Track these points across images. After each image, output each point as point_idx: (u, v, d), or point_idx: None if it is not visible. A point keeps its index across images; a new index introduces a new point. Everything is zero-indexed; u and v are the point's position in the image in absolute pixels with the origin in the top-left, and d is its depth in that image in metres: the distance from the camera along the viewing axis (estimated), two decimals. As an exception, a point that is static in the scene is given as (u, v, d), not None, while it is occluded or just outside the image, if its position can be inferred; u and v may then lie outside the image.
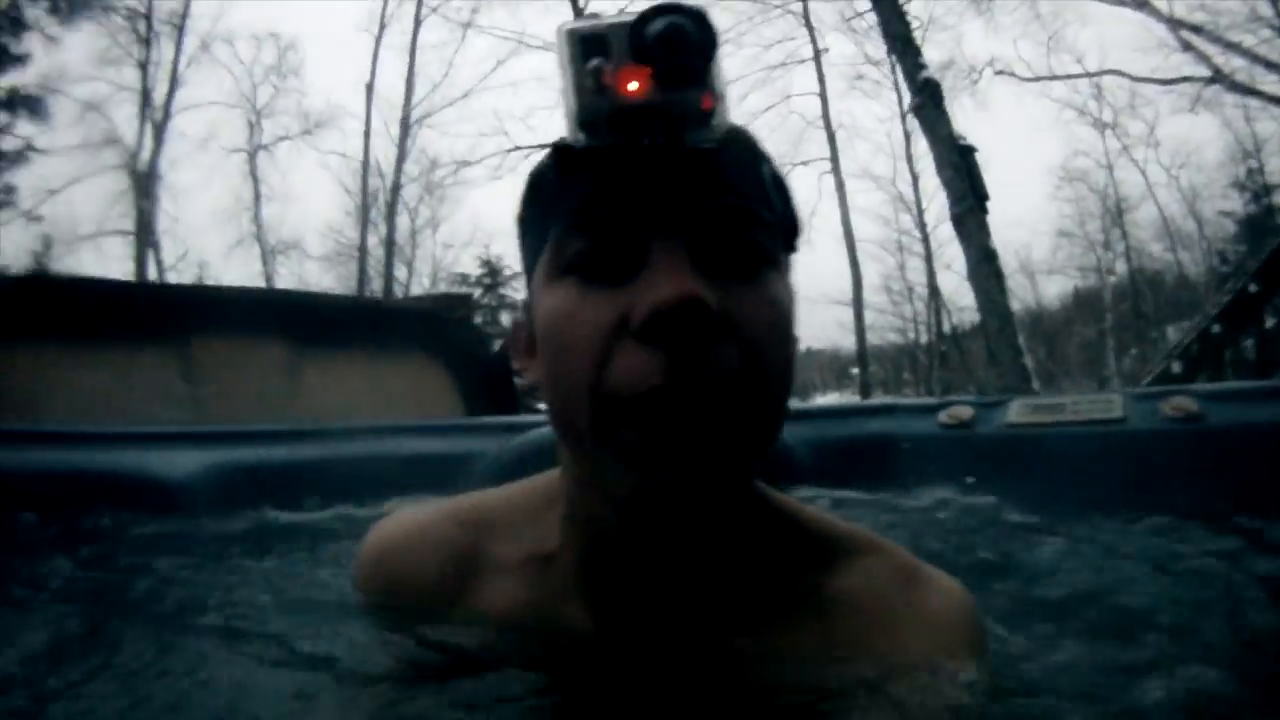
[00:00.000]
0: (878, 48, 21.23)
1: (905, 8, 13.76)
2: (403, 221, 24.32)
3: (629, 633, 0.77)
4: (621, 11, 0.64)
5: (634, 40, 0.62)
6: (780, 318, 0.70)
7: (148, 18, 20.65)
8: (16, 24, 17.51)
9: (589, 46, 0.63)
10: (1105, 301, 28.04)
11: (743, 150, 0.73)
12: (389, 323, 6.86)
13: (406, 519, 0.94)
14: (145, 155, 20.79)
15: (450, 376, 6.37)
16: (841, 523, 0.87)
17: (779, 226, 0.74)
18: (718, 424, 0.65)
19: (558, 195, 0.71)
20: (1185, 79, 19.81)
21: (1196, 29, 18.67)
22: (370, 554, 0.94)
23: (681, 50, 0.62)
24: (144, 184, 20.72)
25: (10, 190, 17.99)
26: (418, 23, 23.21)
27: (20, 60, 17.70)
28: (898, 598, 0.78)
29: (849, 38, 23.32)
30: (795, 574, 0.80)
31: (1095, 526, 2.07)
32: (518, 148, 21.66)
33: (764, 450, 0.71)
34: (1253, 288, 8.61)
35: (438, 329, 6.53)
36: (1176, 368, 8.79)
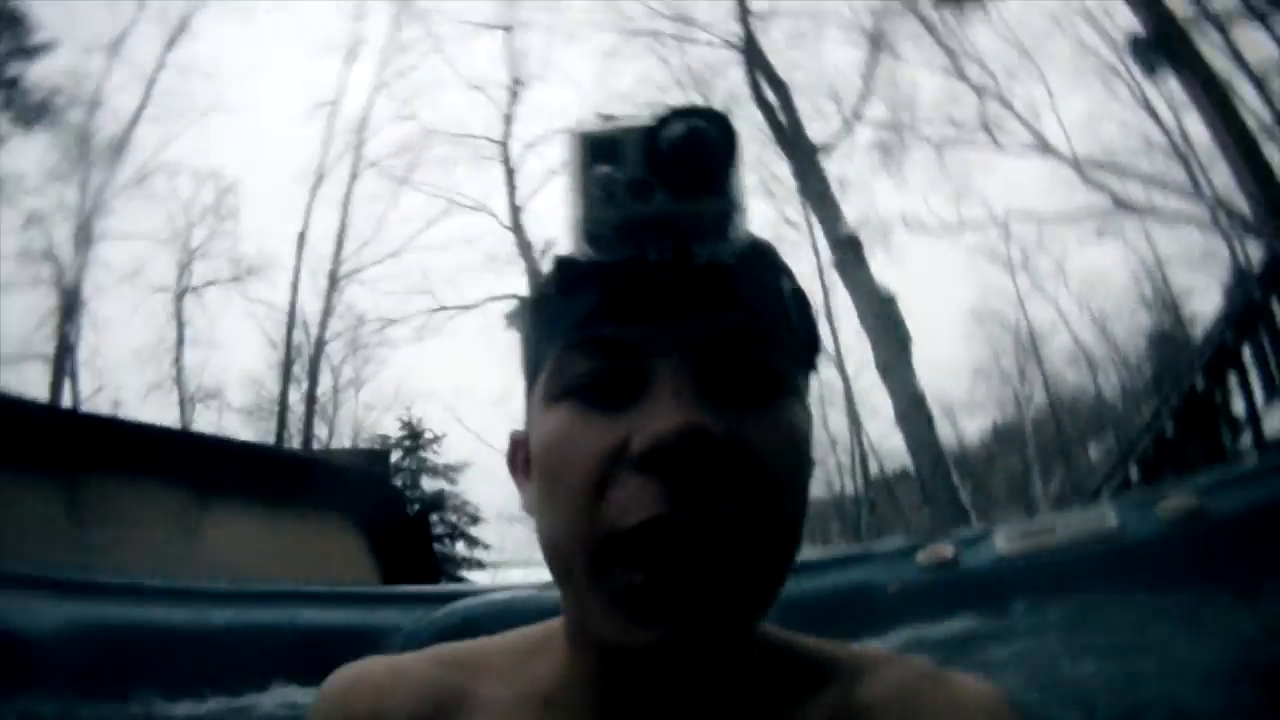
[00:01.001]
0: (796, 209, 22.38)
1: (823, 169, 14.60)
2: (326, 379, 23.33)
3: None
4: (636, 116, 0.60)
5: (648, 146, 0.59)
6: (795, 448, 0.65)
7: (88, 137, 20.05)
8: None
9: (599, 152, 0.60)
10: (1026, 432, 29.04)
11: (761, 263, 0.68)
12: (301, 477, 6.45)
13: (377, 660, 0.82)
14: (70, 276, 20.15)
15: (365, 539, 6.07)
16: (848, 645, 0.82)
17: (797, 346, 0.69)
18: (723, 565, 0.59)
19: (559, 313, 0.67)
20: (1088, 212, 21.12)
21: (1097, 164, 20.28)
22: (334, 696, 0.80)
23: (700, 158, 0.58)
24: (69, 305, 20.01)
25: None
26: (354, 177, 23.00)
27: None
28: (930, 699, 0.74)
29: (768, 202, 24.58)
30: (817, 696, 0.75)
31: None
32: (444, 308, 21.46)
33: (772, 597, 0.65)
34: (1200, 384, 8.89)
35: (354, 487, 6.20)
36: (1135, 474, 8.90)
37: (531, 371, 0.71)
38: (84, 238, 19.82)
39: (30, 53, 17.37)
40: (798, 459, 0.65)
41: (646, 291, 0.62)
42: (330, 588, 3.35)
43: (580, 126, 0.62)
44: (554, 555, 0.66)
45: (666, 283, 0.62)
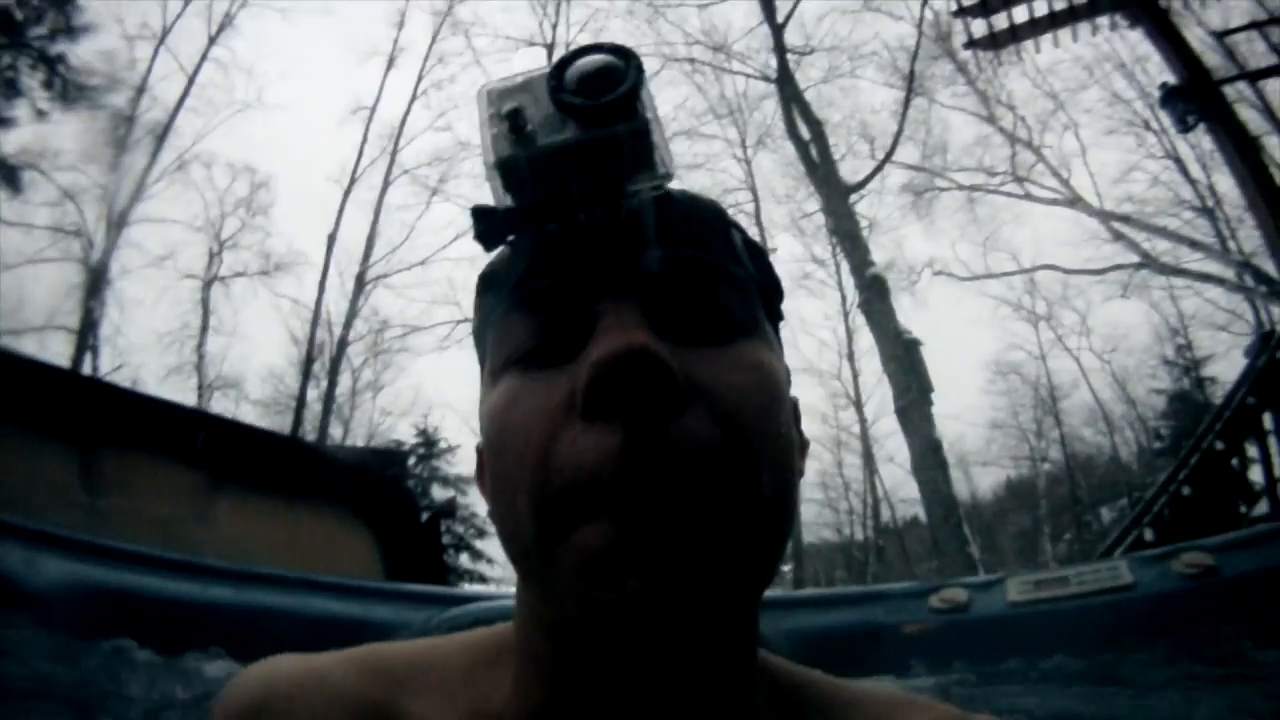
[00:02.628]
0: (825, 247, 22.34)
1: (853, 208, 14.55)
2: (345, 380, 23.71)
3: None
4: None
5: (554, 84, 0.56)
6: (766, 384, 0.57)
7: (131, 120, 20.59)
8: (10, 86, 17.34)
9: (508, 100, 0.58)
10: (1039, 489, 28.61)
11: (704, 206, 0.63)
12: (316, 469, 6.38)
13: (292, 662, 0.70)
14: (99, 255, 20.24)
15: (374, 536, 5.99)
16: (864, 683, 0.74)
17: (755, 286, 0.63)
18: (696, 510, 0.50)
19: (496, 282, 0.63)
20: (1116, 267, 21.10)
21: (1125, 218, 20.13)
22: (241, 705, 0.67)
23: (606, 85, 0.55)
24: (96, 282, 20.16)
25: None
26: (387, 183, 23.45)
27: (4, 122, 17.56)
28: None
29: (798, 239, 24.45)
30: None
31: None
32: (468, 320, 21.62)
33: (766, 560, 0.55)
34: (1219, 445, 8.75)
35: (367, 485, 6.15)
36: (1149, 535, 8.72)
37: (481, 358, 0.66)
38: (116, 218, 20.22)
39: (75, 33, 17.65)
40: (768, 398, 0.58)
41: (579, 231, 0.58)
42: (340, 579, 3.26)
43: (487, 84, 0.60)
44: (508, 536, 0.58)
45: (596, 217, 0.58)
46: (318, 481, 6.03)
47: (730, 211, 0.66)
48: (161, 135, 21.06)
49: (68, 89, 17.78)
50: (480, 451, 0.66)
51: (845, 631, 2.68)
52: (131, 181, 20.47)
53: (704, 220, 0.62)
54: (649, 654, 0.54)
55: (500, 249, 0.62)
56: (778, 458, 0.56)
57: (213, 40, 21.99)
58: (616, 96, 0.55)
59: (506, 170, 0.57)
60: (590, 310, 0.56)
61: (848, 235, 13.30)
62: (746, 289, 0.61)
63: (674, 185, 0.60)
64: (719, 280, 0.59)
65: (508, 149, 0.56)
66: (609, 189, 0.57)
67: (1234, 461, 8.73)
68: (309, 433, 21.72)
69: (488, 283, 0.65)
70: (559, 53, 0.57)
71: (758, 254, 0.66)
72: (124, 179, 20.36)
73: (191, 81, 21.45)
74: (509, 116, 0.56)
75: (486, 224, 0.59)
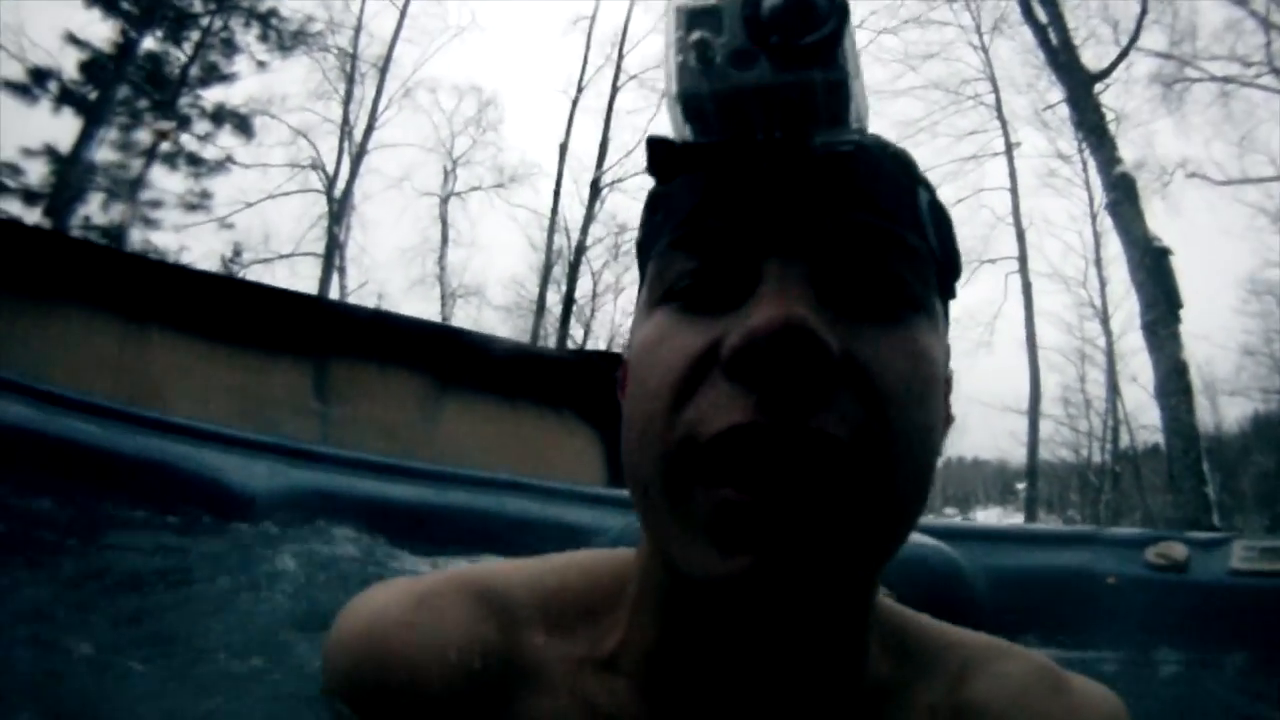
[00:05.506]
0: (1070, 143, 20.55)
1: (1099, 99, 13.33)
2: (584, 283, 24.30)
3: None
4: None
5: (749, 13, 0.52)
6: (924, 372, 0.56)
7: (354, 58, 22.14)
8: (228, 45, 19.44)
9: (698, 22, 0.54)
10: (1288, 430, 25.82)
11: (892, 162, 0.60)
12: (539, 372, 6.62)
13: (404, 587, 0.69)
14: (341, 184, 22.17)
15: (600, 439, 6.10)
16: (965, 629, 0.75)
17: (933, 261, 0.60)
18: (824, 489, 0.50)
19: (666, 209, 0.61)
20: None
21: None
22: (357, 636, 0.67)
23: (803, 23, 0.52)
24: (338, 210, 22.09)
25: (207, 195, 19.25)
26: (615, 89, 23.42)
27: (227, 78, 19.23)
28: (1042, 703, 0.68)
29: (1042, 132, 22.65)
30: (922, 686, 0.68)
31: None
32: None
33: (888, 545, 0.55)
34: None
35: (592, 387, 6.09)
36: None
37: (641, 279, 0.65)
38: (352, 148, 21.96)
39: None
40: (925, 387, 0.56)
41: (757, 178, 0.56)
42: (538, 481, 3.35)
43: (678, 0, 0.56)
44: (632, 472, 0.58)
45: (779, 169, 0.55)
46: (541, 383, 6.26)
47: (920, 167, 0.63)
48: (383, 68, 22.49)
49: (283, 39, 19.64)
50: (625, 365, 0.66)
51: (1049, 574, 2.51)
52: (363, 113, 21.96)
53: (891, 179, 0.59)
54: (762, 622, 0.55)
55: None
56: (920, 452, 0.55)
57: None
58: (817, 39, 0.52)
59: (689, 103, 0.55)
60: (756, 264, 0.55)
61: (1094, 129, 12.14)
62: (923, 264, 0.59)
63: (871, 122, 0.58)
64: (896, 252, 0.57)
65: (692, 81, 0.54)
66: (796, 138, 0.55)
67: None
68: (550, 335, 22.70)
69: (657, 203, 0.64)
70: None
71: (941, 221, 0.63)
72: (355, 111, 21.82)
73: (403, 14, 22.49)
74: (696, 46, 0.54)
75: (663, 157, 0.58)
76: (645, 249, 0.64)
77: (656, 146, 0.58)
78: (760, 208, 0.55)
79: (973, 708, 0.67)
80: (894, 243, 0.57)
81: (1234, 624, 2.09)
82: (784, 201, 0.55)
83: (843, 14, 0.52)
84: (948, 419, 0.63)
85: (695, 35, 0.54)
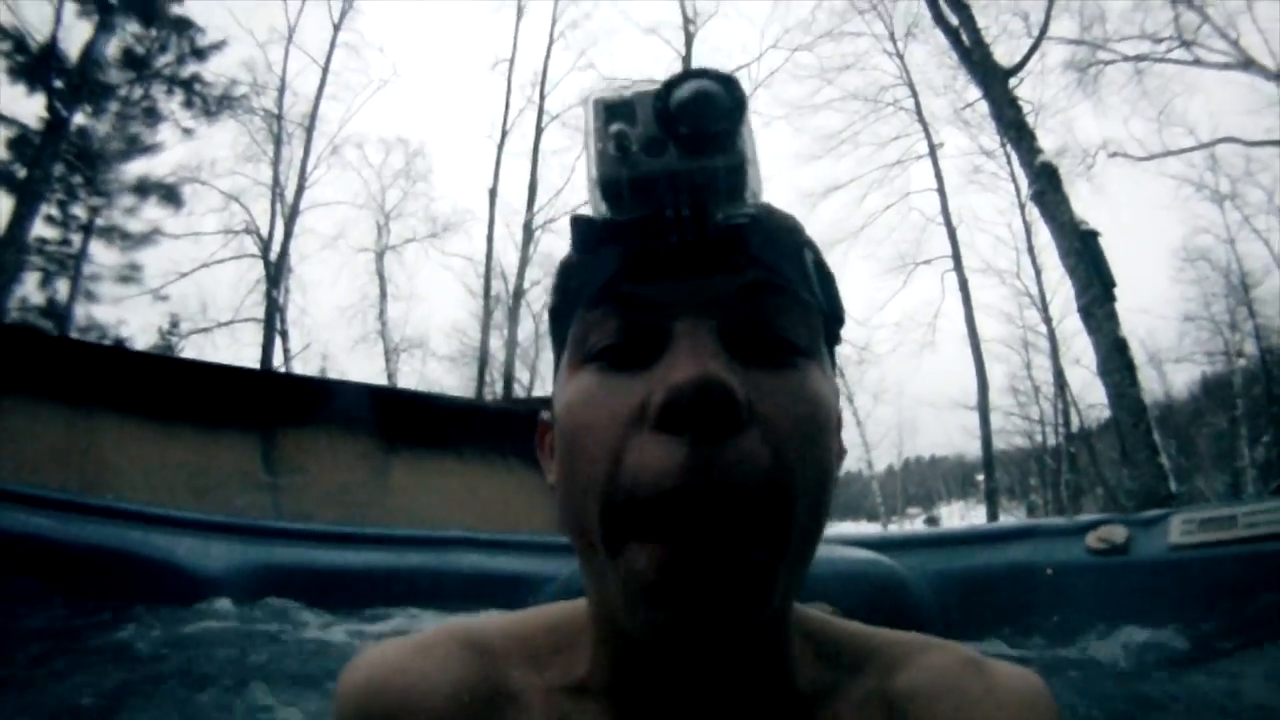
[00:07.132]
0: (992, 138, 21.09)
1: (1015, 93, 13.63)
2: (526, 325, 24.26)
3: None
4: (650, 81, 0.62)
5: (660, 106, 0.60)
6: (815, 413, 0.63)
7: (279, 118, 22.26)
8: (150, 114, 18.86)
9: (614, 115, 0.62)
10: (1235, 387, 26.40)
11: (780, 228, 0.68)
12: (483, 424, 6.63)
13: (400, 643, 0.80)
14: (277, 247, 22.07)
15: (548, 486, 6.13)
16: (895, 630, 0.81)
17: (820, 312, 0.69)
18: (742, 538, 0.58)
19: (583, 277, 0.68)
20: None
21: None
22: (359, 685, 0.77)
23: (707, 115, 0.59)
24: (275, 273, 21.95)
25: (136, 268, 19.09)
26: (539, 130, 23.77)
27: (151, 149, 19.12)
28: (970, 686, 0.74)
29: (963, 131, 23.21)
30: (854, 684, 0.74)
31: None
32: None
33: (796, 579, 0.64)
34: None
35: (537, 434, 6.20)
36: None
37: (559, 341, 0.72)
38: (285, 209, 22.03)
39: (202, 53, 19.60)
40: (817, 427, 0.64)
41: (666, 250, 0.63)
42: (488, 535, 3.41)
43: (596, 93, 0.63)
44: (573, 527, 0.65)
45: (685, 240, 0.63)
46: (486, 435, 6.26)
47: (808, 232, 0.70)
48: (309, 126, 22.59)
49: (208, 104, 19.63)
50: (544, 424, 0.76)
51: (992, 572, 2.54)
52: (293, 174, 22.07)
53: (781, 242, 0.67)
54: (692, 657, 0.63)
55: None
56: (817, 484, 0.63)
57: (337, 27, 23.20)
58: (719, 130, 0.60)
59: (608, 187, 0.61)
60: (668, 325, 0.63)
61: (1013, 123, 12.42)
62: (812, 315, 0.68)
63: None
64: (789, 305, 0.65)
65: (612, 168, 0.61)
66: (699, 214, 0.62)
67: None
68: (495, 379, 22.67)
69: (570, 271, 0.70)
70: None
71: (825, 277, 0.71)
72: (284, 171, 21.97)
73: (326, 70, 22.72)
74: (616, 136, 0.60)
75: (584, 233, 0.65)
76: (562, 313, 0.71)
77: (580, 224, 0.65)
78: (671, 275, 0.63)
79: (902, 696, 0.73)
80: (785, 296, 0.65)
81: (1174, 600, 2.08)
82: (691, 269, 0.63)
83: (741, 106, 0.60)
84: (840, 452, 0.71)
85: (614, 126, 0.61)
